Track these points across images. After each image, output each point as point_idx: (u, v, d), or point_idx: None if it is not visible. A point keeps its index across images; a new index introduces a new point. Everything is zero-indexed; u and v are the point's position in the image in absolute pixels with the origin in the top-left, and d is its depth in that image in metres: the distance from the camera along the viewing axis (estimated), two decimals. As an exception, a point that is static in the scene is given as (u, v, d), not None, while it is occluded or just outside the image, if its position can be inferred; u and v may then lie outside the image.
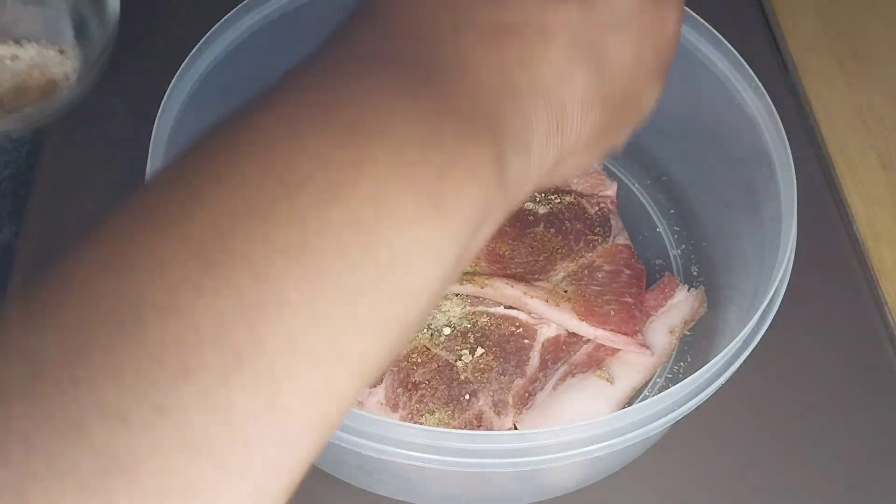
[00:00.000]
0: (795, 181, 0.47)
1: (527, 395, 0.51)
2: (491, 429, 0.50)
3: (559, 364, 0.52)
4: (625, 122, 0.32)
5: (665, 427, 0.41)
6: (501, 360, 0.51)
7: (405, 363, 0.51)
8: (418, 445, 0.39)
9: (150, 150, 0.45)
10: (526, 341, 0.52)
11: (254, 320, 0.21)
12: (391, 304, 0.23)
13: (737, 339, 0.42)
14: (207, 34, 0.50)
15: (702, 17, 0.53)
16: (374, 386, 0.50)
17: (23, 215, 0.60)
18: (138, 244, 0.21)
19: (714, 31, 0.52)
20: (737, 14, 0.71)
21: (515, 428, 0.51)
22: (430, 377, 0.50)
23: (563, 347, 0.53)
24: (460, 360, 0.51)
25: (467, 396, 0.50)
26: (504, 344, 0.52)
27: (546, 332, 0.53)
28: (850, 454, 0.53)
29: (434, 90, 0.26)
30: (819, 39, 0.71)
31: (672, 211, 0.61)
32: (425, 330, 0.52)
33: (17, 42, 0.42)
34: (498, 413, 0.50)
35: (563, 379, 0.51)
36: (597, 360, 0.52)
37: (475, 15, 0.28)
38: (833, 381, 0.56)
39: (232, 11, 0.51)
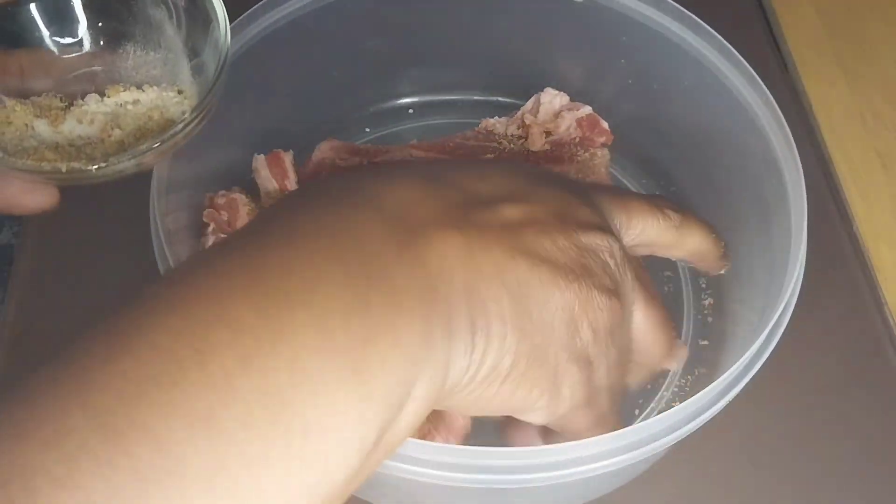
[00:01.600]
0: (806, 196, 0.47)
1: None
2: None
3: None
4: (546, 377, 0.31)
5: (675, 442, 0.40)
6: None
7: None
8: (418, 460, 0.38)
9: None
10: None
11: (149, 493, 0.20)
12: (301, 475, 0.23)
13: (745, 357, 0.42)
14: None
15: (702, 16, 0.53)
16: None
17: (23, 215, 0.60)
18: (40, 410, 0.21)
19: (725, 42, 0.52)
20: (737, 14, 0.71)
21: None
22: None
23: None
24: None
25: None
26: None
27: None
28: (850, 454, 0.53)
29: (367, 258, 0.26)
30: (819, 39, 0.71)
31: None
32: None
33: (139, 87, 0.43)
34: None
35: None
36: None
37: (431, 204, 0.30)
38: (833, 381, 0.56)
39: (246, 13, 0.51)
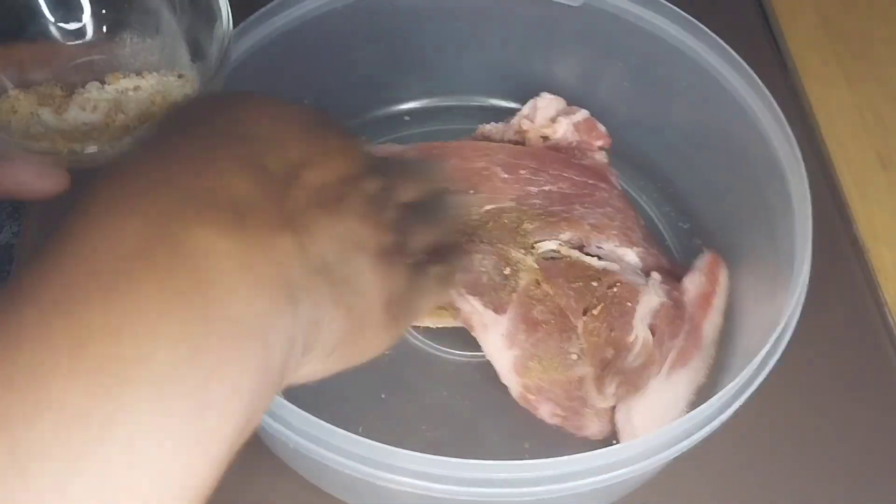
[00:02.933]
0: (810, 199, 0.47)
1: (636, 377, 0.49)
2: (586, 402, 0.49)
3: (674, 341, 0.51)
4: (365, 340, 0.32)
5: (685, 449, 0.40)
6: (608, 327, 0.50)
7: (525, 297, 0.50)
8: (411, 472, 0.38)
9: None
10: (629, 304, 0.51)
11: None
12: None
13: (744, 373, 0.42)
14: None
15: (701, 17, 0.53)
16: (501, 314, 0.50)
17: (23, 215, 0.60)
18: None
19: (722, 42, 0.52)
20: (737, 15, 0.71)
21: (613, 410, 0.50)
22: (548, 318, 0.50)
23: (674, 322, 0.51)
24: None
25: (574, 356, 0.50)
26: (610, 306, 0.51)
27: (649, 301, 0.51)
28: (850, 454, 0.53)
29: (204, 289, 0.24)
30: (819, 39, 0.71)
31: (680, 223, 0.61)
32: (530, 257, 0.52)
33: (139, 74, 0.43)
34: (599, 390, 0.49)
35: (674, 367, 0.50)
36: (687, 353, 0.51)
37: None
38: (833, 380, 0.56)
39: (247, 21, 0.51)
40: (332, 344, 0.29)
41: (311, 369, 0.30)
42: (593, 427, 0.50)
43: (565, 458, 0.38)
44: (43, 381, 0.21)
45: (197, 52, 0.43)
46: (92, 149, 0.38)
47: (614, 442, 0.50)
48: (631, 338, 0.50)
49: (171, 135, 0.29)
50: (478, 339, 0.51)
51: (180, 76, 0.43)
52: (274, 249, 0.26)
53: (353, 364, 0.32)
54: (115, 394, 0.21)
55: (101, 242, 0.24)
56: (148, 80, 0.43)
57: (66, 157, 0.38)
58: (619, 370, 0.49)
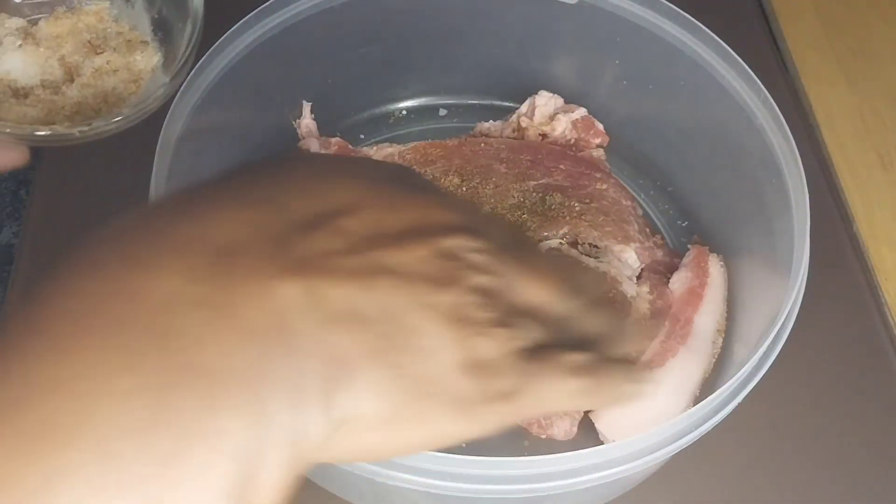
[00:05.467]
0: (808, 195, 0.46)
1: None
2: None
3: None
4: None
5: (678, 450, 0.40)
6: None
7: None
8: (423, 470, 0.38)
9: (156, 155, 0.46)
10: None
11: None
12: None
13: (742, 370, 0.42)
14: (219, 41, 0.50)
15: (701, 16, 0.53)
16: None
17: (23, 215, 0.60)
18: None
19: (720, 40, 0.52)
20: (737, 14, 0.71)
21: (588, 414, 0.50)
22: None
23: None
24: None
25: None
26: None
27: (635, 312, 0.52)
28: (850, 453, 0.53)
29: (167, 340, 0.21)
30: (819, 39, 0.71)
31: (678, 221, 0.61)
32: None
33: (99, 52, 0.44)
34: None
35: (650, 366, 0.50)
36: (670, 350, 0.51)
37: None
38: (832, 380, 0.56)
39: (243, 20, 0.51)
40: (384, 412, 0.24)
41: (367, 442, 0.25)
42: (560, 428, 0.51)
43: (566, 454, 0.38)
44: None
45: (164, 29, 0.44)
46: (47, 132, 0.39)
47: (603, 442, 0.50)
48: None
49: (191, 191, 0.27)
50: None
51: (143, 41, 0.44)
52: (270, 296, 0.23)
53: (430, 446, 0.26)
54: (50, 460, 0.19)
55: (57, 299, 0.22)
56: (110, 56, 0.43)
57: (35, 139, 0.39)
58: None
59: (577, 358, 0.27)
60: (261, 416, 0.22)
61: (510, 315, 0.27)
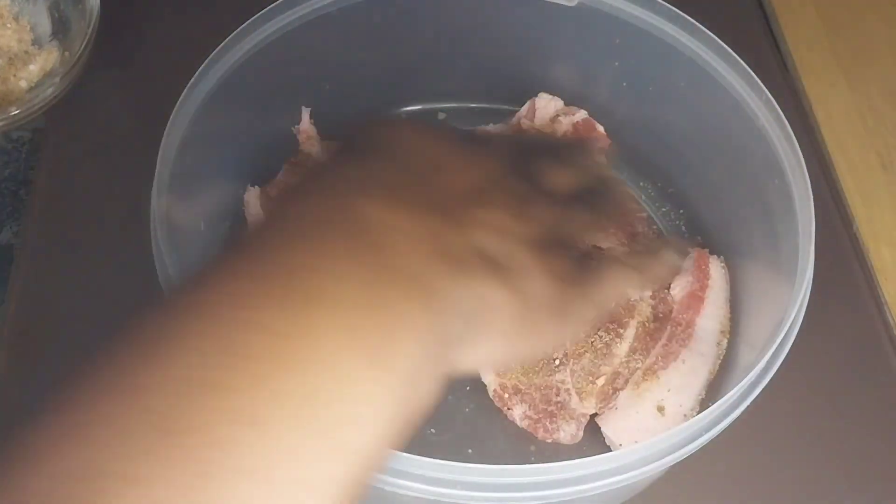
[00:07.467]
0: (812, 199, 0.46)
1: (611, 391, 0.50)
2: (567, 406, 0.50)
3: (642, 355, 0.52)
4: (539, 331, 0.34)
5: (681, 458, 0.40)
6: (595, 336, 0.51)
7: None
8: (420, 477, 0.38)
9: (159, 155, 0.46)
10: (624, 319, 0.52)
11: (208, 487, 0.22)
12: (339, 464, 0.25)
13: (749, 375, 0.42)
14: (218, 48, 0.50)
15: (701, 17, 0.53)
16: None
17: (23, 215, 0.60)
18: (101, 414, 0.23)
19: (719, 40, 0.52)
20: (737, 14, 0.71)
21: (593, 418, 0.50)
22: None
23: (648, 336, 0.52)
24: None
25: (557, 362, 0.50)
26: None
27: (638, 316, 0.52)
28: (850, 453, 0.53)
29: (374, 252, 0.28)
30: (819, 39, 0.71)
31: (680, 223, 0.61)
32: None
33: None
34: (580, 398, 0.49)
35: (645, 377, 0.51)
36: (672, 353, 0.52)
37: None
38: (832, 380, 0.56)
39: (251, 20, 0.51)
40: (505, 328, 0.32)
41: (486, 356, 0.32)
42: (566, 433, 0.51)
43: (574, 461, 0.38)
44: (254, 306, 0.25)
45: (62, 26, 0.44)
46: None
47: (609, 446, 0.50)
48: (618, 349, 0.51)
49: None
50: None
51: (16, 19, 0.44)
52: (436, 229, 0.30)
53: (530, 354, 0.35)
54: (311, 318, 0.25)
55: (294, 212, 0.30)
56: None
57: None
58: (601, 387, 0.50)
59: (626, 251, 0.39)
60: (432, 326, 0.28)
61: (576, 234, 0.36)
